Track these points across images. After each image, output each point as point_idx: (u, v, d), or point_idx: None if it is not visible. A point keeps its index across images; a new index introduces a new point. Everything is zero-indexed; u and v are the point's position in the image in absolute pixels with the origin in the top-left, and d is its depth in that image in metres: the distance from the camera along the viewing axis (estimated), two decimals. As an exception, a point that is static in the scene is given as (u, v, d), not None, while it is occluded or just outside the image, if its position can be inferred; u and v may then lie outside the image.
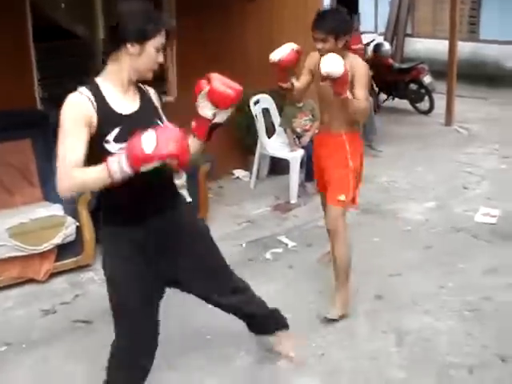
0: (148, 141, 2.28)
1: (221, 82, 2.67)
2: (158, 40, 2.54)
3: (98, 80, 2.57)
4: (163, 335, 2.96)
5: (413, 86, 9.53)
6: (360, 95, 3.70)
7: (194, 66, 6.05)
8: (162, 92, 5.96)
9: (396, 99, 9.89)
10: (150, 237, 2.72)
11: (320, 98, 4.08)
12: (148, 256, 2.75)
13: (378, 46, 9.71)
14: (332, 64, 3.45)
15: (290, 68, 3.82)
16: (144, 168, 2.31)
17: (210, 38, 6.16)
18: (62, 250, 4.62)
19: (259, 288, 4.17)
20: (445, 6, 11.60)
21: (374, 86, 9.58)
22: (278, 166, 6.53)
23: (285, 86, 3.89)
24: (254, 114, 6.10)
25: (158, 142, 2.28)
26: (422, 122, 9.34)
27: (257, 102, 6.23)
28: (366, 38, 10.67)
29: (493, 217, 5.56)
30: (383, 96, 9.92)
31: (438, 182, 6.54)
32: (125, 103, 2.59)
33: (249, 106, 6.14)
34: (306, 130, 6.18)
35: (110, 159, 2.34)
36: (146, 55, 2.54)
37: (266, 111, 6.40)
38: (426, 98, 9.49)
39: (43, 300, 4.36)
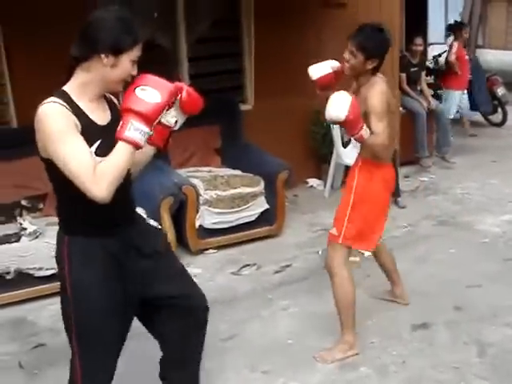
0: (146, 93, 2.29)
1: (189, 90, 2.63)
2: (135, 53, 2.38)
3: (67, 90, 2.38)
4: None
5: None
6: (376, 129, 3.37)
7: (271, 74, 6.18)
8: (239, 101, 6.19)
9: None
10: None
11: None
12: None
13: (450, 58, 9.58)
14: (334, 109, 3.21)
15: (323, 86, 3.62)
16: (158, 119, 2.34)
17: (286, 45, 6.23)
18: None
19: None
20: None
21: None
22: (353, 176, 6.53)
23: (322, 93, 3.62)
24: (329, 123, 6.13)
25: (157, 89, 2.30)
26: (495, 134, 9.19)
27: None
28: (437, 50, 10.61)
29: None
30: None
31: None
32: (99, 114, 2.45)
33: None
34: (382, 140, 6.16)
35: (124, 135, 2.26)
36: (121, 67, 2.36)
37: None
38: (499, 109, 9.35)
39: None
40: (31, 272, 4.39)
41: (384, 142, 3.40)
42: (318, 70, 3.58)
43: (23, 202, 4.90)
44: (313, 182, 6.76)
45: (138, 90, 2.30)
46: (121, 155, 2.28)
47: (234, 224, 5.17)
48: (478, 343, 3.81)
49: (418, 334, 3.93)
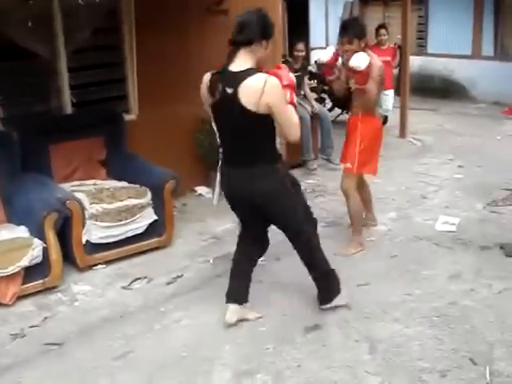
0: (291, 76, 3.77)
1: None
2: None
3: (254, 67, 3.61)
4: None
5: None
6: (371, 87, 4.83)
7: (154, 82, 6.10)
8: (123, 111, 6.06)
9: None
10: None
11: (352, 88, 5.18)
12: None
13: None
14: (359, 60, 4.64)
15: (333, 65, 5.06)
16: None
17: (168, 52, 6.17)
18: (29, 272, 4.55)
19: (231, 302, 4.22)
20: (395, 22, 11.85)
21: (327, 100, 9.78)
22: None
23: (330, 77, 5.20)
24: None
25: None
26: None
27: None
28: (318, 54, 10.85)
29: (452, 225, 5.71)
30: (338, 111, 10.06)
31: (398, 192, 6.68)
32: None
33: (211, 124, 6.13)
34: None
35: (294, 101, 3.70)
36: (268, 49, 3.68)
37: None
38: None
39: (11, 324, 4.30)
40: None
41: (375, 96, 4.95)
42: (326, 54, 5.06)
43: None
44: (201, 189, 6.72)
45: (289, 73, 3.77)
46: (295, 113, 3.72)
47: (122, 237, 5.05)
48: (368, 340, 3.91)
49: (311, 336, 3.99)
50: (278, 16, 7.22)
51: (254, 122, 3.62)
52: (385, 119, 9.38)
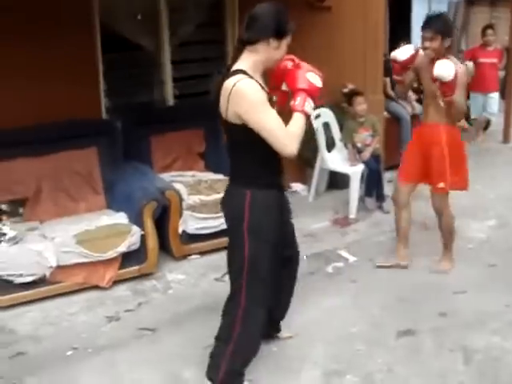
0: (314, 78, 3.07)
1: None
2: (289, 38, 3.08)
3: (244, 69, 2.99)
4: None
5: (470, 103, 9.41)
6: (459, 98, 4.30)
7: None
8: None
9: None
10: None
11: (424, 91, 4.72)
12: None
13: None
14: (444, 69, 4.10)
15: (408, 65, 4.50)
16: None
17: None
18: (126, 258, 4.68)
19: (323, 301, 4.21)
20: (502, 23, 11.43)
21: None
22: (337, 181, 6.52)
23: (399, 78, 4.67)
24: (315, 127, 6.09)
25: (319, 76, 3.10)
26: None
27: (318, 116, 6.22)
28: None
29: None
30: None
31: (499, 200, 6.42)
32: (263, 87, 3.05)
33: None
34: (367, 145, 6.15)
35: (304, 108, 3.01)
36: (282, 49, 3.06)
37: (326, 125, 6.39)
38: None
39: (107, 307, 4.42)
40: (11, 278, 4.30)
41: (463, 107, 4.50)
42: (404, 52, 4.43)
43: (3, 207, 4.80)
44: (297, 186, 6.69)
45: (309, 75, 3.06)
46: (301, 123, 3.02)
47: (217, 229, 5.07)
48: (463, 350, 3.78)
49: (404, 341, 3.90)
50: (382, 15, 7.12)
51: (231, 134, 3.09)
52: (487, 123, 9.11)
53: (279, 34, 3.01)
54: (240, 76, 2.93)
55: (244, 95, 2.89)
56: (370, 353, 3.77)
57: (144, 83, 5.97)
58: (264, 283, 3.22)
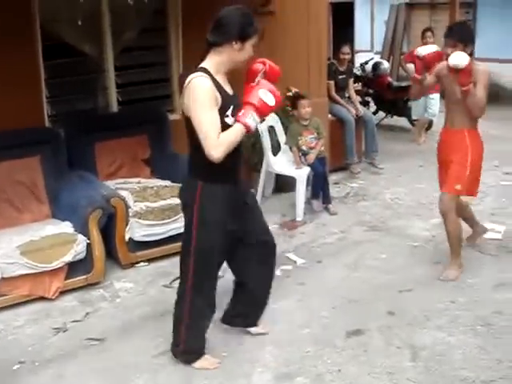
0: (267, 97, 3.20)
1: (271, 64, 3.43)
2: (254, 40, 3.27)
3: (207, 67, 3.20)
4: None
5: (411, 104, 9.59)
6: (479, 93, 4.44)
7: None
8: (167, 110, 6.10)
9: (394, 117, 9.96)
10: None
11: (447, 97, 4.83)
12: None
13: (376, 65, 9.76)
14: (458, 58, 4.30)
15: (430, 64, 4.75)
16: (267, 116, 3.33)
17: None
18: (72, 268, 4.61)
19: (272, 304, 4.22)
20: (441, 26, 11.69)
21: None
22: (284, 184, 6.56)
23: (419, 77, 4.83)
24: (259, 131, 6.12)
25: (274, 97, 3.22)
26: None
27: (262, 120, 6.22)
28: (363, 57, 10.79)
29: (498, 232, 5.59)
30: (382, 114, 9.98)
31: (441, 199, 6.56)
32: (227, 86, 3.31)
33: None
34: (312, 148, 6.20)
35: (245, 120, 3.16)
36: (245, 51, 3.26)
37: (271, 129, 6.42)
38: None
39: (54, 318, 4.35)
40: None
41: (484, 104, 4.49)
42: (427, 49, 4.78)
43: None
44: (244, 190, 6.69)
45: (261, 92, 3.20)
46: (237, 133, 3.20)
47: (164, 236, 5.06)
48: (410, 347, 3.84)
49: (353, 341, 3.94)
50: (325, 19, 7.21)
51: (188, 127, 3.26)
52: (429, 124, 9.30)
53: (242, 37, 3.21)
54: (199, 73, 3.15)
55: (193, 91, 3.12)
56: (320, 354, 3.79)
57: (87, 90, 5.89)
58: (209, 270, 3.54)
